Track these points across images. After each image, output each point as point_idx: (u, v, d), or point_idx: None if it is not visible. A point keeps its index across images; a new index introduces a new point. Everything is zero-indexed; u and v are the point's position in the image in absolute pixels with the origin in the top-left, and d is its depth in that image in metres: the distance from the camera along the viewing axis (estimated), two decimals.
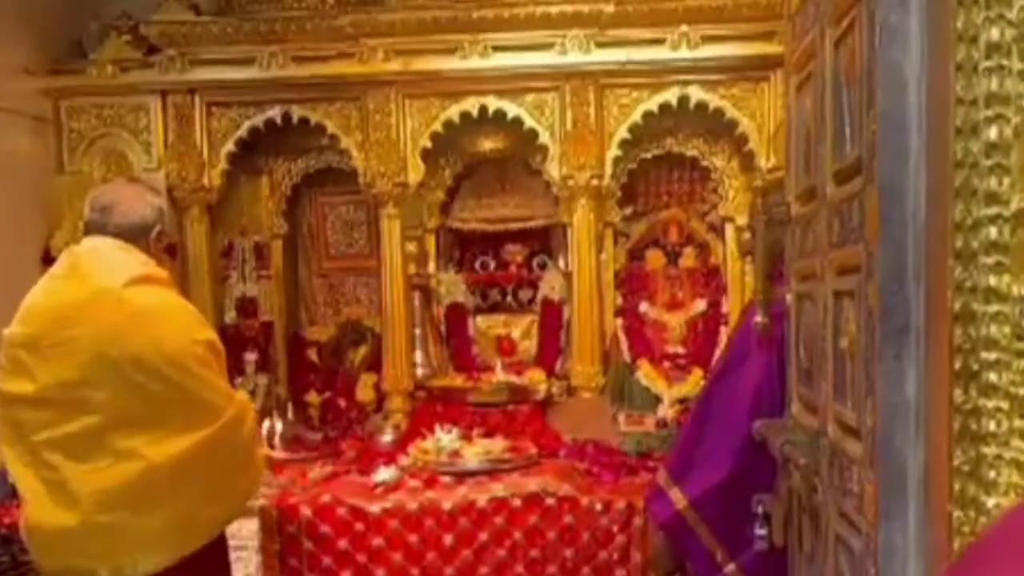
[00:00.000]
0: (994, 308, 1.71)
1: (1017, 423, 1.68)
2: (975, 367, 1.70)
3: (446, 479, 4.37)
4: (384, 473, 4.38)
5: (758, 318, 3.28)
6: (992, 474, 1.70)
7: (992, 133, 1.70)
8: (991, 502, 1.69)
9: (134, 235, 2.98)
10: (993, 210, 1.71)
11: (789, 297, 2.93)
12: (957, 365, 1.73)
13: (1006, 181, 1.71)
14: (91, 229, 2.99)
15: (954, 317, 1.73)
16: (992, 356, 1.69)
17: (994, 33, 1.70)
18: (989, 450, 1.70)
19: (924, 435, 1.85)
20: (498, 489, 4.24)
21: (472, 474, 4.39)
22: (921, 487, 1.86)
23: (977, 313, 1.71)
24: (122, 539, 2.75)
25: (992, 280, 1.71)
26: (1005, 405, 1.69)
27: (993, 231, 1.71)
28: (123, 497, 2.74)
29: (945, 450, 1.76)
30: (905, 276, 1.89)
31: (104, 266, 2.87)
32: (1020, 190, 1.70)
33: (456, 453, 4.53)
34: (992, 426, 1.70)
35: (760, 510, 3.02)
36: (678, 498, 3.57)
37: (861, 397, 2.06)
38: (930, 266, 1.84)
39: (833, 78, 2.37)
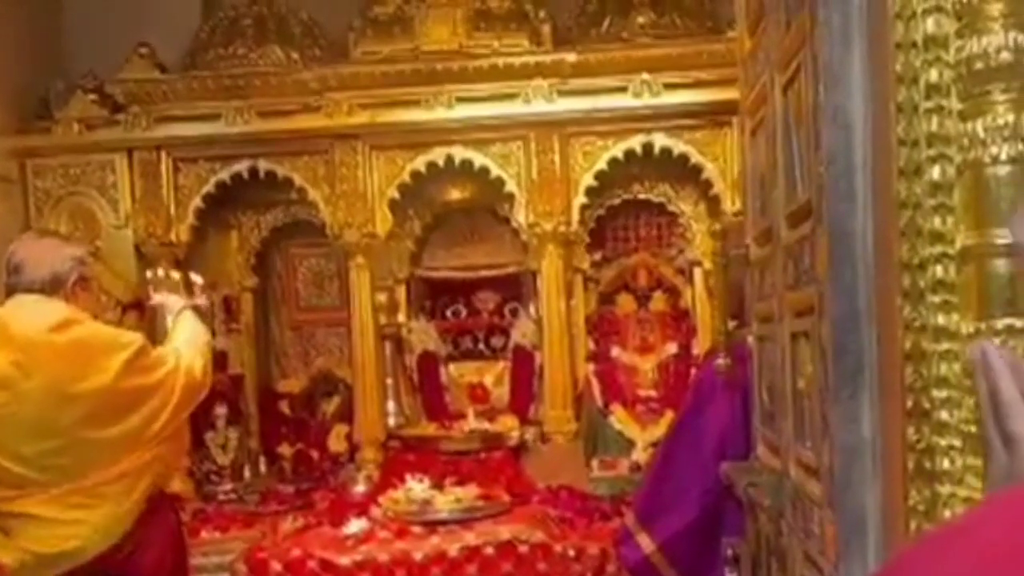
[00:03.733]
0: (944, 346, 1.72)
1: (970, 461, 1.69)
2: (927, 406, 1.71)
3: (417, 529, 4.33)
4: (355, 525, 4.35)
5: (720, 360, 3.29)
6: (947, 513, 1.70)
7: (935, 173, 1.73)
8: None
9: (50, 288, 2.97)
10: (938, 249, 1.73)
11: (751, 339, 2.95)
12: (909, 404, 1.74)
13: (950, 220, 1.73)
14: (10, 290, 2.99)
15: (905, 356, 1.74)
16: (943, 394, 1.70)
17: (933, 75, 1.73)
18: (944, 489, 1.70)
19: (880, 475, 1.86)
20: (470, 538, 4.21)
21: (443, 523, 4.37)
22: (879, 527, 1.87)
23: (927, 352, 1.72)
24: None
25: (941, 319, 1.72)
26: (958, 443, 1.69)
27: (939, 270, 1.72)
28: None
29: (901, 489, 1.76)
30: (857, 316, 1.91)
31: (26, 317, 2.87)
32: (964, 229, 1.72)
33: (427, 502, 4.50)
34: (946, 464, 1.70)
35: (729, 553, 3.01)
36: (646, 543, 3.56)
37: (819, 437, 2.07)
38: (880, 306, 1.85)
39: (783, 122, 2.40)
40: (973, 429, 1.70)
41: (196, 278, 3.63)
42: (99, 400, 2.80)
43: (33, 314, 2.90)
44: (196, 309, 3.43)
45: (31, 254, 3.03)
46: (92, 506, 2.83)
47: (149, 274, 3.77)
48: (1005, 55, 1.66)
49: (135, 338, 2.98)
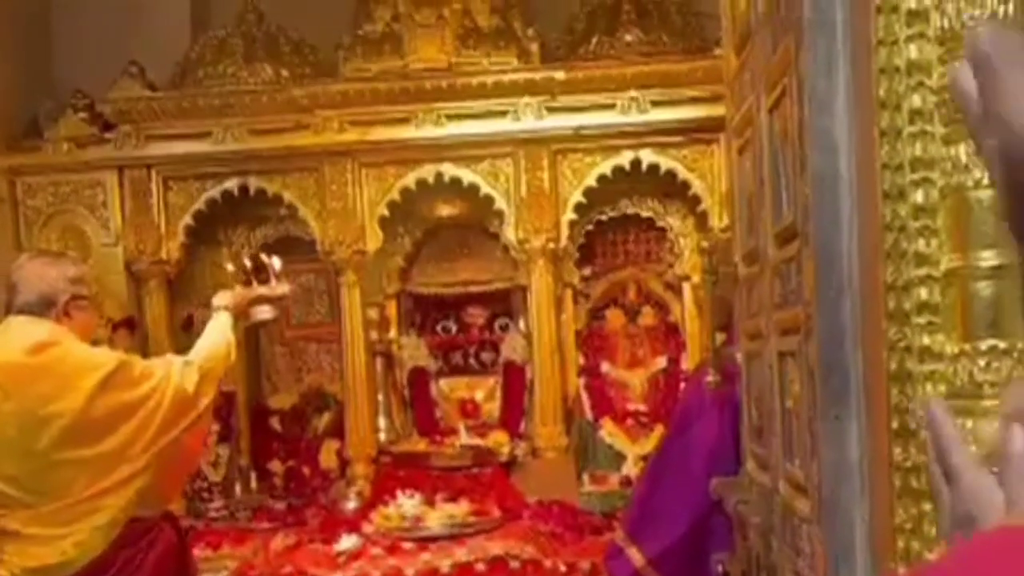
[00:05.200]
0: (929, 367, 1.74)
1: None
2: (913, 425, 1.74)
3: (408, 545, 4.35)
4: (346, 541, 4.35)
5: (709, 377, 3.32)
6: (933, 531, 1.72)
7: (919, 196, 1.75)
8: (934, 558, 1.72)
9: (40, 309, 2.97)
10: (923, 271, 1.75)
11: (739, 356, 2.98)
12: (895, 424, 1.76)
13: (934, 243, 1.75)
14: (7, 311, 3.00)
15: (890, 376, 1.77)
16: None
17: (916, 100, 1.76)
18: (929, 507, 1.73)
19: (868, 493, 1.88)
20: (462, 554, 4.22)
21: (435, 539, 4.38)
22: (868, 545, 1.89)
23: (913, 372, 1.74)
24: None
25: (926, 340, 1.74)
26: None
27: (924, 292, 1.75)
28: None
29: (888, 507, 1.79)
30: (843, 337, 1.93)
31: (8, 339, 2.87)
32: (948, 251, 1.74)
33: (418, 518, 4.51)
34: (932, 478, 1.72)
35: (719, 569, 3.03)
36: (636, 557, 3.57)
37: (807, 456, 2.10)
38: (866, 327, 1.88)
39: (769, 143, 2.43)
40: None
41: (272, 261, 3.23)
42: (73, 421, 2.79)
43: (16, 336, 2.90)
44: (263, 300, 3.09)
45: (24, 275, 3.03)
46: (73, 521, 2.83)
47: (230, 268, 3.50)
48: None
49: (111, 357, 2.92)
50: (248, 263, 3.22)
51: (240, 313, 3.08)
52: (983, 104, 0.51)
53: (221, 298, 3.06)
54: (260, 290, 3.09)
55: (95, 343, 3.14)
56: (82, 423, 2.79)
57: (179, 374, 2.88)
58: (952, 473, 0.60)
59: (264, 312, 3.09)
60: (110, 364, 2.83)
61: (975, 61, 0.52)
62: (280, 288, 3.12)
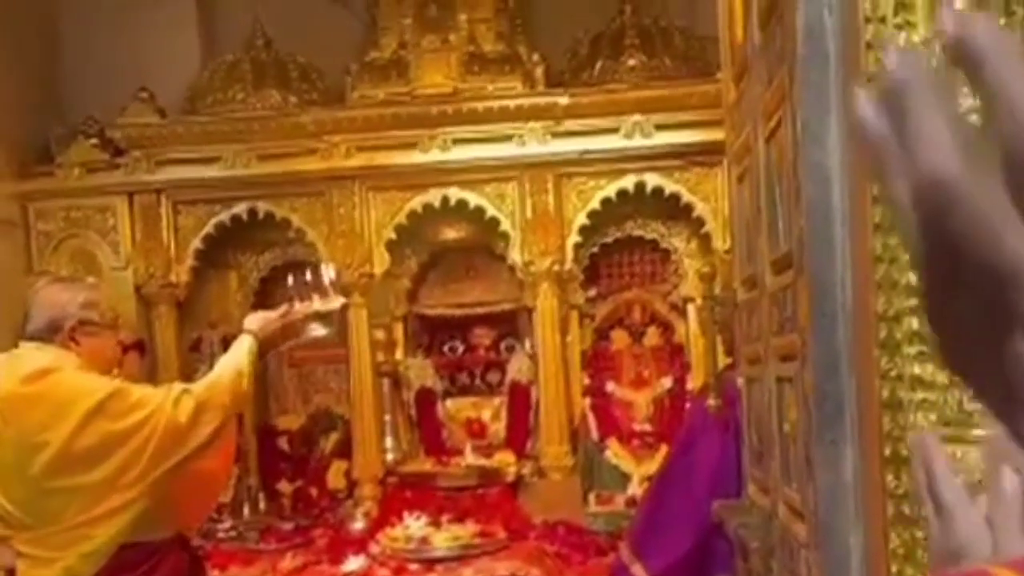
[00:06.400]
0: (920, 396, 1.79)
1: None
2: (904, 453, 1.78)
3: (415, 566, 4.38)
4: (353, 562, 4.40)
5: (710, 400, 3.36)
6: (926, 557, 1.76)
7: None
8: None
9: (47, 335, 2.99)
10: (914, 301, 1.80)
11: (740, 380, 3.02)
12: (887, 451, 1.80)
13: None
14: (23, 336, 3.02)
15: (883, 404, 1.81)
16: None
17: None
18: (921, 533, 1.77)
19: (863, 518, 1.92)
20: (468, 575, 4.25)
21: (441, 560, 4.41)
22: (862, 569, 1.93)
23: (904, 400, 1.79)
24: None
25: (916, 369, 1.79)
26: None
27: (915, 322, 1.79)
28: None
29: (882, 533, 1.83)
30: (837, 364, 1.97)
31: (12, 367, 2.90)
32: None
33: (425, 540, 4.55)
34: (924, 510, 1.76)
35: None
36: (641, 574, 3.61)
37: (803, 480, 2.14)
38: (859, 355, 1.92)
39: (766, 172, 2.48)
40: None
41: (326, 273, 3.05)
42: (59, 450, 2.79)
43: (18, 363, 2.92)
44: (314, 316, 2.87)
45: (37, 300, 3.05)
46: (65, 547, 2.84)
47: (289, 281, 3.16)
48: (975, 118, 1.72)
49: (104, 385, 2.86)
50: (308, 277, 2.98)
51: (268, 336, 2.92)
52: (899, 141, 0.44)
53: (250, 321, 2.94)
54: (314, 306, 2.90)
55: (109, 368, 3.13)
56: (70, 451, 2.78)
57: (173, 404, 2.76)
58: (942, 508, 0.62)
59: (316, 329, 2.90)
60: (102, 392, 2.79)
61: (888, 92, 0.44)
62: (331, 302, 2.93)
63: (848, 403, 1.96)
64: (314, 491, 5.83)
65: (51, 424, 2.81)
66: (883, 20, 1.81)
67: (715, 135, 4.94)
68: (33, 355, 2.93)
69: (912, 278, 1.81)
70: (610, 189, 5.30)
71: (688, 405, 5.61)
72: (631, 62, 5.42)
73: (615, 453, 5.59)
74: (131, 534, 2.91)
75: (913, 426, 1.78)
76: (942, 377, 1.78)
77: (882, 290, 1.82)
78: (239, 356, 2.89)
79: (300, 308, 2.90)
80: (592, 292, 5.88)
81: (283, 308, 2.93)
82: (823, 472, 1.98)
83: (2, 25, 5.34)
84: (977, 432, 1.71)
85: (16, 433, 2.81)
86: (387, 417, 5.74)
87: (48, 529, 2.82)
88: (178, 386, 2.92)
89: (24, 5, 5.56)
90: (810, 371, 2.02)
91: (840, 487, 1.96)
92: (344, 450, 5.79)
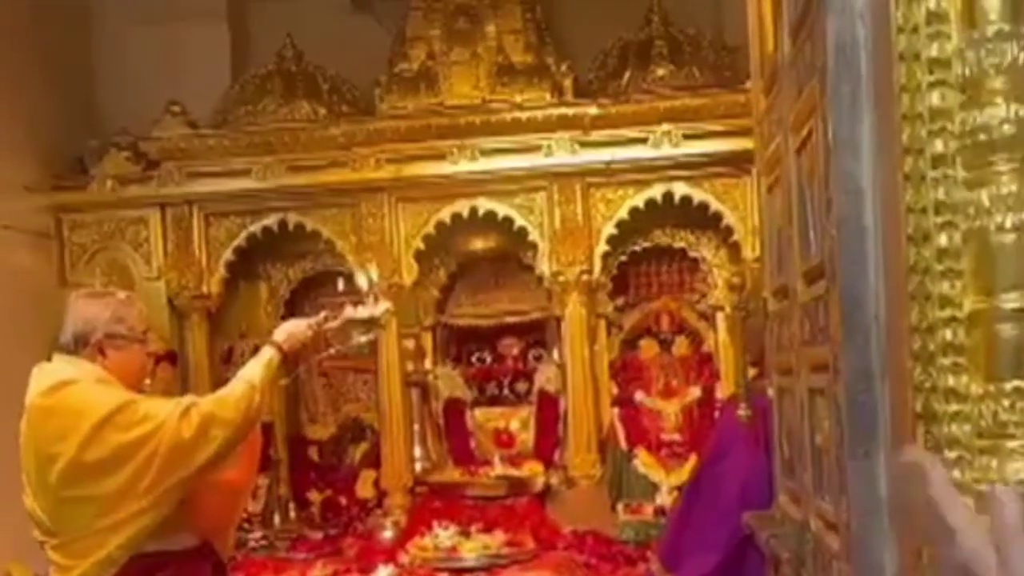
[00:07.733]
0: (954, 407, 1.77)
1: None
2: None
3: None
4: (383, 572, 4.41)
5: (741, 411, 3.35)
6: None
7: (943, 240, 1.78)
8: None
9: (75, 347, 3.01)
10: (947, 313, 1.77)
11: (771, 391, 3.01)
12: None
13: (958, 285, 1.78)
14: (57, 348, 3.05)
15: (916, 416, 1.80)
16: (954, 455, 1.75)
17: (938, 145, 1.79)
18: None
19: (895, 531, 1.91)
20: None
21: (470, 570, 4.42)
22: None
23: (938, 412, 1.77)
24: None
25: (951, 380, 1.77)
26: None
27: (948, 333, 1.77)
28: None
29: (915, 547, 1.81)
30: (870, 376, 1.96)
31: (38, 379, 2.93)
32: (972, 293, 1.77)
33: (454, 549, 4.56)
34: None
35: None
36: None
37: (836, 492, 2.13)
38: (892, 367, 1.91)
39: (797, 183, 2.48)
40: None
41: (364, 278, 2.99)
42: (74, 459, 2.82)
43: (44, 375, 2.96)
44: (356, 323, 2.79)
45: (70, 312, 3.08)
46: (82, 555, 2.87)
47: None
48: (1007, 127, 1.71)
49: (115, 397, 2.82)
50: (363, 282, 2.93)
51: (297, 347, 2.88)
52: None
53: (278, 332, 2.89)
54: (359, 312, 2.83)
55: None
56: (81, 462, 2.79)
57: (178, 419, 2.73)
58: (950, 530, 0.64)
59: (358, 336, 2.83)
60: (111, 404, 2.78)
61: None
62: (372, 308, 2.84)
63: (881, 415, 1.95)
64: (343, 500, 5.86)
65: (63, 435, 2.83)
66: (915, 30, 1.79)
67: (744, 144, 4.93)
68: (58, 367, 2.97)
69: (945, 289, 1.80)
70: (638, 199, 5.30)
71: (717, 415, 5.59)
72: (659, 72, 5.43)
73: (644, 462, 5.57)
74: (147, 543, 2.92)
75: (948, 438, 1.76)
76: (976, 388, 1.76)
77: (915, 301, 1.81)
78: (254, 370, 2.86)
79: (346, 314, 2.83)
80: (620, 301, 5.88)
81: (321, 316, 2.87)
82: (857, 485, 1.97)
83: (37, 40, 5.43)
84: (1012, 444, 1.70)
85: (35, 445, 2.84)
86: (416, 427, 5.76)
87: (70, 536, 2.85)
88: (187, 400, 2.85)
89: (59, 21, 5.64)
90: (843, 383, 2.02)
91: (874, 500, 1.95)
92: (373, 460, 5.82)
